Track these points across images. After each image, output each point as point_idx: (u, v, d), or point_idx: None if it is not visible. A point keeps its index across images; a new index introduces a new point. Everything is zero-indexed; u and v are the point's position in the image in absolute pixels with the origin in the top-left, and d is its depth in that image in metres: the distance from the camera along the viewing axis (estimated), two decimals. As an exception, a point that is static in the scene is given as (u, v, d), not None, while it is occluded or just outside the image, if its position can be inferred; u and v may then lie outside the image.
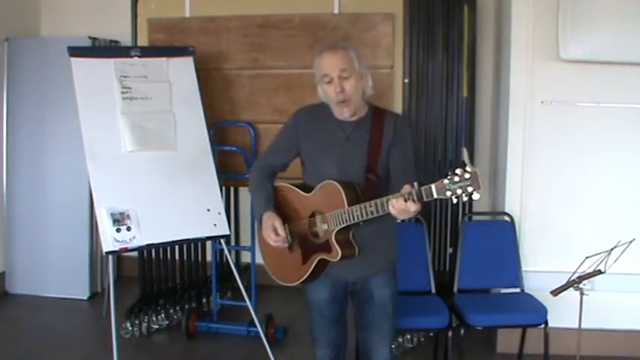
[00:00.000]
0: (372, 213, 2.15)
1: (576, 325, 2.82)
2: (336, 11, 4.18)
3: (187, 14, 4.30)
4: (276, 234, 2.37)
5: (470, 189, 1.92)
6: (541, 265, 3.57)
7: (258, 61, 4.15)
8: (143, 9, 4.25)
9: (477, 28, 4.15)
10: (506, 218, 3.61)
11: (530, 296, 3.39)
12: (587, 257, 2.77)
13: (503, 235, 3.57)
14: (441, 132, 4.10)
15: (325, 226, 2.32)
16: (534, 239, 3.61)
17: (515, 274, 3.51)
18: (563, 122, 3.56)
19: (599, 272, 2.78)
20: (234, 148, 4.00)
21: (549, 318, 3.17)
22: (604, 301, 3.43)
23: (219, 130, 4.02)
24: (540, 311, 3.19)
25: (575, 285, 2.77)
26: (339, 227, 2.26)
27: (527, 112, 3.58)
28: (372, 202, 2.14)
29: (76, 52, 3.45)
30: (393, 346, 2.52)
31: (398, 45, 4.08)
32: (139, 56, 3.58)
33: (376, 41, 4.01)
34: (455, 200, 1.95)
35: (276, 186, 2.51)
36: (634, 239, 2.82)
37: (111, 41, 4.74)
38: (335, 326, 2.52)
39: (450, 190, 1.94)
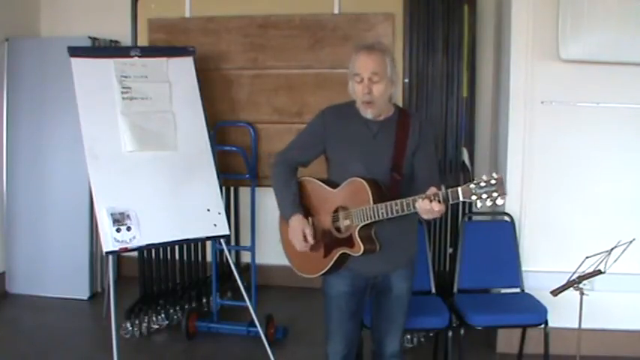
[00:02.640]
0: (397, 212, 2.21)
1: (576, 325, 2.82)
2: (336, 11, 4.19)
3: (187, 14, 4.30)
4: (305, 240, 2.42)
5: (495, 194, 2.00)
6: (541, 265, 3.58)
7: (258, 61, 4.16)
8: (143, 9, 4.25)
9: (476, 28, 4.15)
10: (506, 218, 3.61)
11: (530, 296, 3.39)
12: (587, 257, 2.77)
13: (503, 235, 3.57)
14: (441, 132, 4.11)
15: (348, 222, 2.37)
16: (534, 239, 3.62)
17: (515, 274, 3.51)
18: (563, 122, 3.57)
19: (599, 272, 2.78)
20: (234, 148, 4.00)
21: (549, 318, 3.17)
22: (604, 301, 3.42)
23: (219, 130, 4.03)
24: (540, 311, 3.19)
25: (575, 285, 2.77)
26: (364, 223, 2.31)
27: (527, 112, 3.58)
28: (398, 201, 2.20)
29: (76, 52, 3.45)
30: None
31: (398, 45, 4.08)
32: (139, 56, 3.58)
33: (376, 41, 4.01)
34: (479, 205, 2.03)
35: (301, 179, 2.56)
36: (634, 239, 2.82)
37: (111, 41, 4.74)
38: (351, 321, 2.56)
39: (475, 194, 2.02)
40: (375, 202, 2.27)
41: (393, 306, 2.54)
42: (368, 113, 2.38)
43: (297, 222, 2.45)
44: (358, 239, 2.33)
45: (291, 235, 2.47)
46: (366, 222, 2.30)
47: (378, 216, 2.25)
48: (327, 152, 2.51)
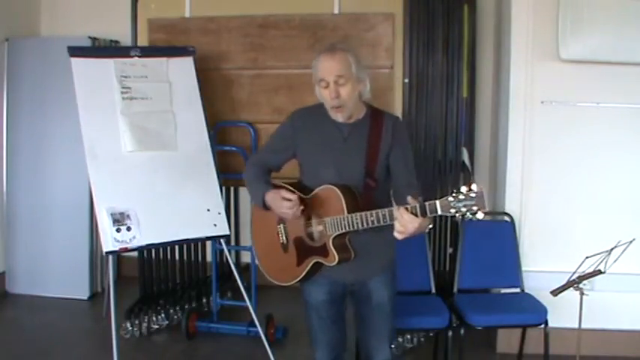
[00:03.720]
0: (372, 222, 2.13)
1: (576, 325, 2.82)
2: (336, 11, 4.19)
3: (187, 14, 4.30)
4: (288, 199, 2.27)
5: (475, 208, 1.92)
6: (541, 265, 3.57)
7: (258, 61, 4.16)
8: (143, 9, 4.25)
9: (476, 28, 4.15)
10: (506, 218, 3.61)
11: (530, 296, 3.39)
12: (587, 257, 2.77)
13: (503, 235, 3.57)
14: (441, 132, 4.11)
15: (321, 227, 2.30)
16: (534, 239, 3.61)
17: (515, 274, 3.51)
18: (563, 122, 3.56)
19: (599, 272, 2.78)
20: (234, 148, 4.00)
21: (549, 318, 3.17)
22: (604, 301, 3.42)
23: (219, 130, 4.03)
24: (540, 311, 3.19)
25: (575, 285, 2.77)
26: (337, 233, 2.24)
27: (527, 112, 3.58)
28: (374, 212, 2.12)
29: (76, 52, 3.45)
30: (392, 346, 2.52)
31: (398, 45, 4.08)
32: (139, 56, 3.58)
33: (376, 41, 4.02)
34: (459, 218, 1.95)
35: (274, 183, 2.46)
36: (634, 239, 2.82)
37: (111, 41, 4.74)
38: (333, 327, 2.50)
39: (454, 207, 1.93)
40: (349, 212, 2.19)
41: (375, 316, 2.44)
42: (339, 117, 2.29)
43: (272, 194, 2.32)
44: (332, 249, 2.25)
45: (277, 210, 2.32)
46: (340, 232, 2.23)
47: (353, 226, 2.18)
48: (298, 156, 2.43)
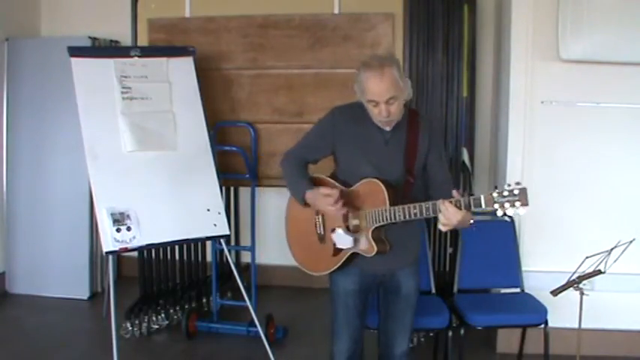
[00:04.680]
0: (415, 215, 2.20)
1: (576, 325, 2.82)
2: (336, 11, 4.18)
3: (187, 14, 4.30)
4: (329, 195, 2.33)
5: (518, 203, 1.99)
6: (541, 265, 3.57)
7: (258, 61, 4.15)
8: (143, 9, 4.25)
9: (476, 28, 4.15)
10: (506, 218, 3.61)
11: (530, 296, 3.39)
12: (587, 257, 2.77)
13: (503, 235, 3.57)
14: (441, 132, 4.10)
15: (357, 222, 2.37)
16: (534, 239, 3.61)
17: (515, 274, 3.51)
18: (563, 122, 3.56)
19: (599, 272, 2.78)
20: (234, 148, 4.00)
21: (549, 318, 3.17)
22: (604, 301, 3.42)
23: (219, 130, 4.02)
24: (540, 311, 3.19)
25: (575, 285, 2.77)
26: (378, 225, 2.30)
27: (527, 112, 3.58)
28: (417, 204, 2.19)
29: (76, 52, 3.45)
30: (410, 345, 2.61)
31: (398, 45, 4.08)
32: (139, 56, 3.58)
33: (376, 41, 4.02)
34: (500, 213, 2.02)
35: (311, 176, 2.53)
36: (634, 239, 2.82)
37: (111, 41, 4.74)
38: (357, 320, 2.55)
39: (497, 202, 2.01)
40: (391, 205, 2.26)
41: (401, 305, 2.53)
42: (387, 128, 2.37)
43: (312, 193, 2.40)
44: (372, 240, 2.33)
45: (321, 207, 2.39)
46: (381, 224, 2.29)
47: (395, 218, 2.24)
48: (336, 153, 2.48)
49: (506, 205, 2.00)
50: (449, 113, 4.09)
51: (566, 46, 3.36)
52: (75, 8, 4.93)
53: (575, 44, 3.34)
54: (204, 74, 3.87)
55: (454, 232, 4.09)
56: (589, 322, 2.97)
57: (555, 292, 2.81)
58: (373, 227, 2.32)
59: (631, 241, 2.80)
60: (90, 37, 4.48)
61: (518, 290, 3.50)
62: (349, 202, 2.38)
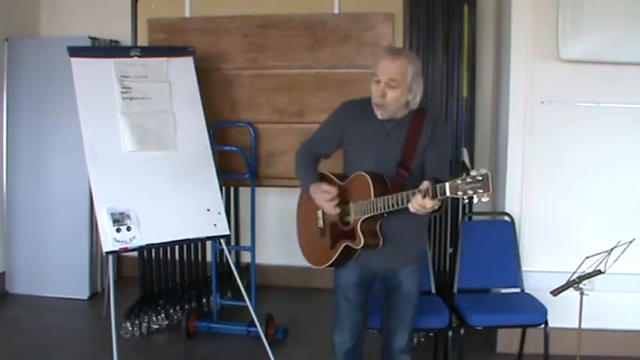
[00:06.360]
0: (393, 205, 2.23)
1: (576, 325, 2.83)
2: (336, 11, 4.18)
3: (187, 14, 4.30)
4: (327, 192, 2.46)
5: (480, 191, 1.98)
6: (541, 265, 3.58)
7: (258, 61, 4.15)
8: (143, 9, 4.25)
9: (476, 28, 4.15)
10: (506, 218, 3.61)
11: (530, 296, 3.39)
12: (587, 257, 2.78)
13: (503, 235, 3.57)
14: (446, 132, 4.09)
15: (350, 215, 2.43)
16: (534, 239, 3.62)
17: (515, 274, 3.51)
18: (563, 122, 3.57)
19: (599, 272, 2.78)
20: (234, 148, 4.00)
21: (549, 318, 3.17)
22: (604, 301, 3.43)
23: (219, 130, 4.02)
24: (540, 311, 3.19)
25: (575, 285, 2.77)
26: (365, 217, 2.35)
27: (527, 112, 3.58)
28: (395, 195, 2.23)
29: (76, 52, 3.45)
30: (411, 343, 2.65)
31: (398, 45, 4.07)
32: (139, 56, 3.58)
33: (376, 41, 4.01)
34: (466, 200, 2.03)
35: (320, 173, 2.64)
36: (634, 239, 2.83)
37: (111, 41, 4.74)
38: (358, 314, 2.61)
39: (461, 190, 2.00)
40: (375, 196, 2.31)
41: (402, 302, 2.59)
42: (378, 114, 2.43)
43: (314, 186, 2.52)
44: (359, 232, 2.38)
45: (317, 200, 2.51)
46: (366, 215, 2.35)
47: (377, 209, 2.29)
48: (344, 145, 2.57)
49: (470, 192, 1.99)
50: (449, 113, 4.08)
51: (566, 46, 3.36)
52: (75, 8, 4.93)
53: (575, 44, 3.35)
54: (204, 74, 3.87)
55: (454, 232, 4.09)
56: (589, 322, 2.97)
57: (555, 292, 2.81)
58: (361, 219, 2.37)
59: (631, 241, 2.80)
60: (90, 37, 4.48)
61: (518, 290, 3.50)
62: (344, 197, 2.46)
